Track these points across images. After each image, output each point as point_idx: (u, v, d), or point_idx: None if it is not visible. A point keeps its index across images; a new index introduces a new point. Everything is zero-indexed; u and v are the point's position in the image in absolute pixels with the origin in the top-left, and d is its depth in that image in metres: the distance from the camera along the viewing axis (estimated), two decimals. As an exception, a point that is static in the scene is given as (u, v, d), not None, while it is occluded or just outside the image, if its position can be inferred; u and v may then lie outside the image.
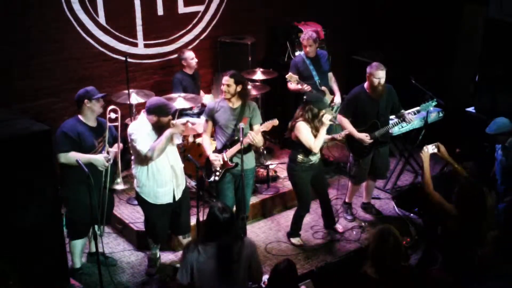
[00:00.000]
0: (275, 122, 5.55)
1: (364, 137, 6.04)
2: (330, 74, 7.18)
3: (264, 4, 8.12)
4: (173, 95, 6.47)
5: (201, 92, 7.22)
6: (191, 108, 6.81)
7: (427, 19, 8.29)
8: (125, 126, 6.90)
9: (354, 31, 8.92)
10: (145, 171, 5.14)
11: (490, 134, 5.60)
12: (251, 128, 5.53)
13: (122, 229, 6.24)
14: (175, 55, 7.40)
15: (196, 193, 6.10)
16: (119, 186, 5.21)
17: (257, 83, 7.02)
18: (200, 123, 6.35)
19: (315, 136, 5.59)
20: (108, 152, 5.10)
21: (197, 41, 7.73)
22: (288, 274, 4.11)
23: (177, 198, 5.27)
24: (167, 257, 5.89)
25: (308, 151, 5.66)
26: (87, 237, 5.38)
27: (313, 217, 6.56)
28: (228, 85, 5.33)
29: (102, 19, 6.92)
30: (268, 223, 6.59)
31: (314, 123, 5.60)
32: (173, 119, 5.20)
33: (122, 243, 6.16)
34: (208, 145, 5.62)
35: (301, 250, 6.05)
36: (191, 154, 6.04)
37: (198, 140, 6.45)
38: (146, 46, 7.35)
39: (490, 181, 5.74)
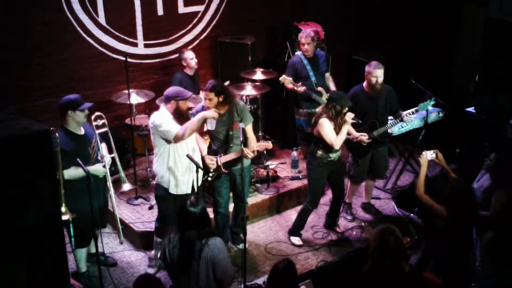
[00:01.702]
0: (269, 145, 5.61)
1: (363, 137, 6.04)
2: (328, 75, 7.17)
3: (264, 4, 8.12)
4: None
5: (201, 93, 7.21)
6: (190, 109, 6.79)
7: (427, 19, 8.29)
8: (125, 126, 6.96)
9: (354, 31, 8.92)
10: (166, 160, 5.23)
11: None
12: (242, 130, 5.51)
13: (123, 229, 6.23)
14: (175, 55, 7.40)
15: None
16: (126, 186, 5.21)
17: (257, 83, 7.02)
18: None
19: (337, 133, 5.63)
20: (102, 157, 5.01)
21: (197, 41, 7.73)
22: (288, 274, 4.11)
23: (195, 189, 5.32)
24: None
25: (328, 148, 5.69)
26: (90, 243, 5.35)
27: (313, 217, 6.55)
28: (210, 99, 5.33)
29: (102, 19, 6.92)
30: (268, 223, 6.59)
31: (337, 120, 5.63)
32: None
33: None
34: (202, 144, 5.63)
35: (301, 250, 6.06)
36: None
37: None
38: (146, 46, 7.36)
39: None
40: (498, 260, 3.92)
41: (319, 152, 5.77)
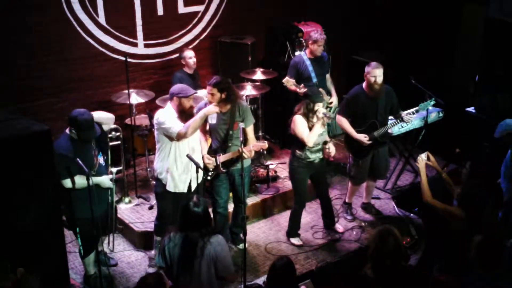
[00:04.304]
0: (265, 146, 5.65)
1: (363, 138, 6.05)
2: (328, 76, 7.17)
3: (264, 4, 8.12)
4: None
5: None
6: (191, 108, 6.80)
7: (427, 19, 8.29)
8: (124, 126, 6.95)
9: (354, 31, 8.92)
10: (166, 157, 5.26)
11: (498, 138, 5.49)
12: (243, 130, 5.52)
13: (123, 229, 6.24)
14: (175, 55, 7.41)
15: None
16: (130, 204, 5.16)
17: (257, 83, 7.02)
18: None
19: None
20: (111, 172, 5.08)
21: (197, 41, 7.73)
22: (287, 272, 4.10)
23: (192, 189, 5.33)
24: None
25: (303, 146, 5.68)
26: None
27: (313, 217, 6.56)
28: (212, 94, 5.34)
29: (102, 19, 6.92)
30: (268, 223, 6.59)
31: (310, 117, 5.63)
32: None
33: (122, 243, 6.16)
34: (203, 142, 5.63)
35: (301, 250, 6.06)
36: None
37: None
38: (146, 46, 7.35)
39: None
40: (491, 261, 3.92)
41: (298, 152, 5.78)
